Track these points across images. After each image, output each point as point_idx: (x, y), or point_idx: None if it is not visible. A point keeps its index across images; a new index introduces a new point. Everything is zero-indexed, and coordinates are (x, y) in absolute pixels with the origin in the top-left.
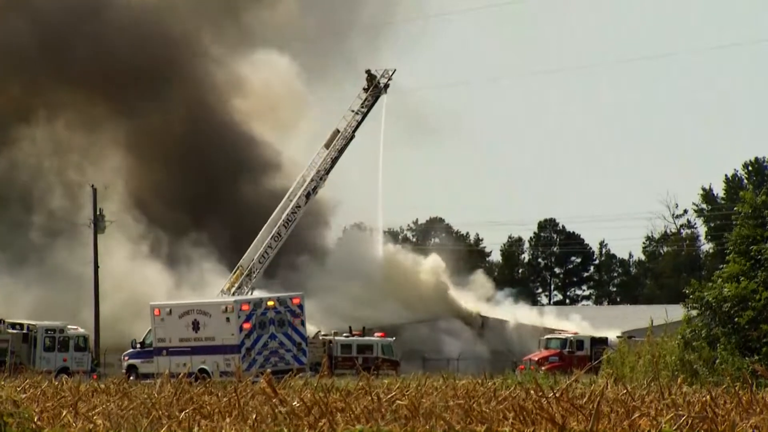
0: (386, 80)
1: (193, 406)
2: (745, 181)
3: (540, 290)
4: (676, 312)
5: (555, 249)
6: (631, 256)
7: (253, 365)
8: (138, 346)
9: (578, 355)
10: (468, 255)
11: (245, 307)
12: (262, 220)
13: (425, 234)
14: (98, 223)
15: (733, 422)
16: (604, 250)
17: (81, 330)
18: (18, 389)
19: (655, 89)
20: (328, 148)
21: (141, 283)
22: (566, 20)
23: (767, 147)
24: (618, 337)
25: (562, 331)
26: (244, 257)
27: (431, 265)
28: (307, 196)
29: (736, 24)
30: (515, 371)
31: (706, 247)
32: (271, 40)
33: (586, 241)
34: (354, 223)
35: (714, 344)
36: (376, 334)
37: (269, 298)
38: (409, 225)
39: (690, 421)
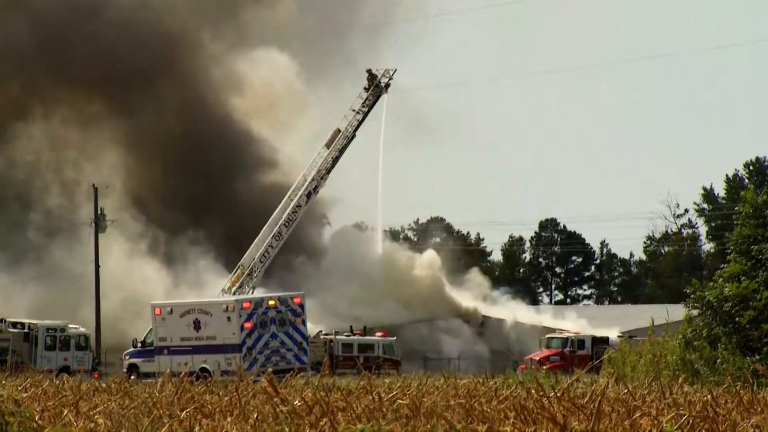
0: (387, 80)
1: (195, 406)
2: (746, 180)
3: (541, 290)
4: (677, 312)
5: (556, 249)
6: (632, 255)
7: (254, 364)
8: (139, 345)
9: (579, 355)
10: (468, 254)
11: (246, 306)
12: (259, 218)
13: (426, 233)
14: (99, 223)
15: (734, 422)
16: (605, 250)
17: (82, 329)
18: (19, 388)
19: (655, 89)
20: (329, 148)
21: (139, 282)
22: (566, 20)
23: None
24: (619, 336)
25: (564, 330)
26: (245, 257)
27: (427, 261)
28: (308, 195)
29: (736, 24)
30: (516, 370)
31: (707, 246)
32: (270, 39)
33: (587, 241)
34: (355, 223)
35: (715, 344)
36: (377, 334)
37: (270, 298)
38: (410, 224)
39: (691, 421)
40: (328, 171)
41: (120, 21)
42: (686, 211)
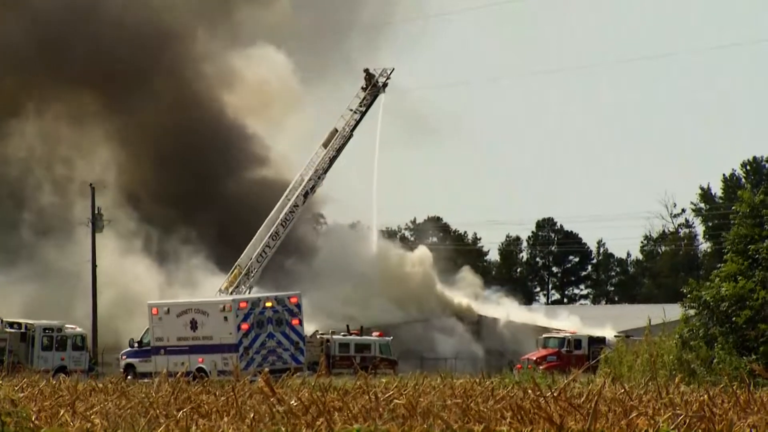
0: (384, 79)
1: (191, 406)
2: (743, 180)
3: (538, 289)
4: (673, 311)
5: (553, 248)
6: (629, 255)
7: (250, 364)
8: (136, 345)
9: (576, 355)
10: (465, 254)
11: (243, 306)
12: (251, 216)
13: (423, 233)
14: (96, 223)
15: (731, 422)
16: (602, 250)
17: (79, 329)
18: (16, 388)
19: (655, 89)
20: (326, 148)
21: (132, 280)
22: (566, 20)
23: (765, 146)
24: (616, 336)
25: (560, 330)
26: (242, 256)
27: (418, 258)
28: (305, 195)
29: (736, 24)
30: (512, 370)
31: (704, 246)
32: (266, 38)
33: (584, 241)
34: (351, 222)
35: (711, 343)
36: (374, 334)
37: (267, 298)
38: (407, 224)
39: (687, 421)
40: (325, 171)
41: (115, 19)
42: (683, 210)
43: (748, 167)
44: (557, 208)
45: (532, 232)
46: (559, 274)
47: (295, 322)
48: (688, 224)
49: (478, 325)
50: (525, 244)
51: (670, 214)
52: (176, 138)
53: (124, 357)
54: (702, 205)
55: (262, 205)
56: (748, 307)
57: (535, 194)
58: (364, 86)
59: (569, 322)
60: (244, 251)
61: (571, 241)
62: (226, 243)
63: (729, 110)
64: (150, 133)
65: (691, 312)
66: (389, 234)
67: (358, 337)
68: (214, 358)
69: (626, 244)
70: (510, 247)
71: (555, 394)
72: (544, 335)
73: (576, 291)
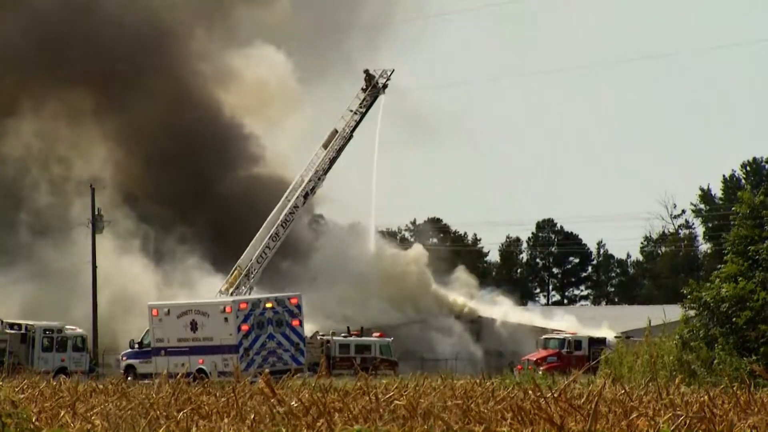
0: (384, 80)
1: (191, 407)
2: (743, 181)
3: (538, 290)
4: (674, 312)
5: (553, 249)
6: (629, 256)
7: (251, 365)
8: (136, 346)
9: (576, 355)
10: (465, 255)
11: (243, 307)
12: (248, 216)
13: (423, 234)
14: (96, 223)
15: (731, 422)
16: (602, 251)
17: (79, 330)
18: (16, 389)
19: (655, 89)
20: (326, 148)
21: (130, 280)
22: (566, 20)
23: (766, 147)
24: (616, 337)
25: (560, 331)
26: (242, 257)
27: (413, 256)
28: (305, 196)
29: (736, 24)
30: (512, 371)
31: (704, 247)
32: (265, 37)
33: (584, 242)
34: (350, 223)
35: (712, 344)
36: (374, 334)
37: (267, 299)
38: (407, 225)
39: (688, 422)
40: (325, 172)
41: (113, 18)
42: (683, 211)
43: (748, 168)
44: (557, 209)
45: (532, 232)
46: (559, 275)
47: (295, 323)
48: (688, 225)
49: (477, 325)
50: (525, 245)
51: (670, 215)
52: (174, 138)
53: (124, 358)
54: (702, 206)
55: (259, 204)
56: (748, 308)
57: (535, 195)
58: (364, 87)
59: (566, 322)
60: (245, 252)
61: (571, 242)
62: (223, 243)
63: (729, 110)
64: (148, 133)
65: (692, 313)
66: (389, 235)
67: (359, 338)
68: (214, 359)
69: (626, 245)
70: (510, 247)
71: (555, 395)
72: (544, 336)
73: (576, 292)
